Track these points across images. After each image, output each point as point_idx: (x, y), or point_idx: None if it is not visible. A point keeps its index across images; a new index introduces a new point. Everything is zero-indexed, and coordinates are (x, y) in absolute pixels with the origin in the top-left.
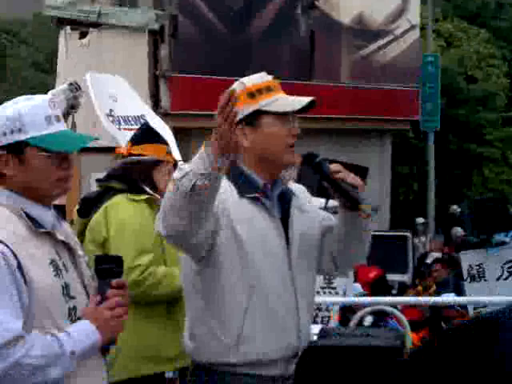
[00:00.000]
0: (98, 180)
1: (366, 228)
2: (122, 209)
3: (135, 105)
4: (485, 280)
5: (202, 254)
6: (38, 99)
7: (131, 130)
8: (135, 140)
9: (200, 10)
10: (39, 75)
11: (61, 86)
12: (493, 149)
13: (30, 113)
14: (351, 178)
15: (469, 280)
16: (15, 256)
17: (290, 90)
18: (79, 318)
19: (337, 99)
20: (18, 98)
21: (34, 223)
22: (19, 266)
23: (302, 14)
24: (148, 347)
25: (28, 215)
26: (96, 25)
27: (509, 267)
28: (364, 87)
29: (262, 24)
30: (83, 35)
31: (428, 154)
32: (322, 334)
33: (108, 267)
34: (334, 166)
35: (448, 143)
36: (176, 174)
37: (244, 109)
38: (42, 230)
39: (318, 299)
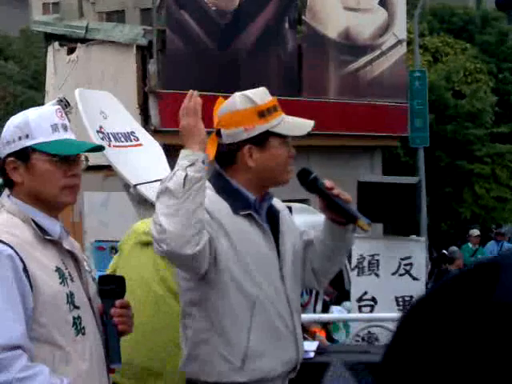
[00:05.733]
0: None
1: (353, 243)
2: None
3: (125, 121)
4: (376, 275)
5: (205, 267)
6: (46, 108)
7: (121, 147)
8: None
9: (188, 26)
10: (28, 92)
11: (50, 103)
12: (483, 165)
13: (36, 120)
14: (344, 193)
15: (357, 272)
16: (21, 260)
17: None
18: (84, 328)
19: (325, 115)
20: (29, 109)
21: (41, 231)
22: (25, 270)
23: (289, 29)
24: None
25: (36, 223)
26: (84, 40)
27: (406, 264)
28: (352, 103)
29: (250, 39)
30: (71, 51)
31: (418, 170)
32: (319, 350)
33: (109, 288)
34: (327, 182)
35: (437, 160)
36: (162, 184)
37: (255, 129)
38: (48, 237)
39: None
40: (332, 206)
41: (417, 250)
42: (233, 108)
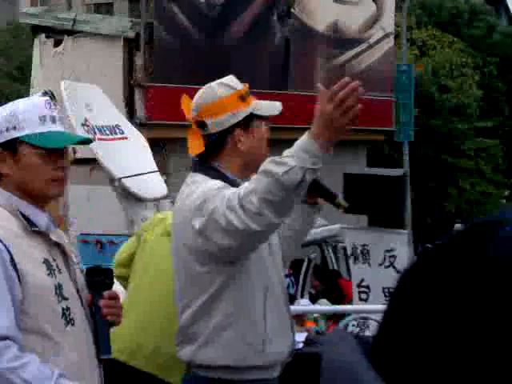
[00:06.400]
0: None
1: (313, 226)
2: None
3: (110, 114)
4: (368, 264)
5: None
6: (35, 99)
7: (106, 139)
8: None
9: (176, 18)
10: (12, 84)
11: (35, 95)
12: (467, 160)
13: (24, 111)
14: None
15: (353, 260)
16: (8, 251)
17: (266, 99)
18: (73, 319)
19: (313, 108)
20: (17, 100)
21: (28, 223)
22: (12, 262)
23: (278, 21)
24: None
25: (23, 215)
26: (71, 32)
27: (390, 256)
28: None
29: (238, 32)
30: (58, 43)
31: (403, 165)
32: (308, 341)
33: (98, 280)
34: None
35: (422, 154)
36: (275, 168)
37: (238, 112)
38: (36, 229)
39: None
40: (314, 186)
41: (400, 242)
42: (215, 98)
